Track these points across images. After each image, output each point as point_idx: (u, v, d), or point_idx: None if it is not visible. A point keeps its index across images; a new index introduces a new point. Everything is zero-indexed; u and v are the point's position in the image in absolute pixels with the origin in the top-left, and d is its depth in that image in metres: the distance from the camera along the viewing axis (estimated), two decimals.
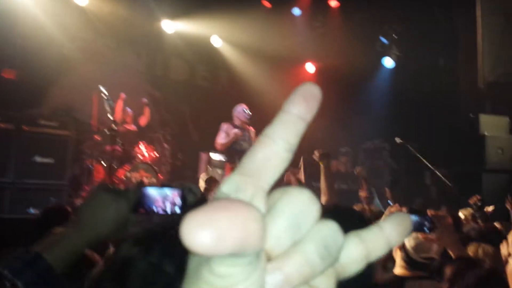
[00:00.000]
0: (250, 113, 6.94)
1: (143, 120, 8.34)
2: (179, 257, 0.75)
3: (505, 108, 8.45)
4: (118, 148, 7.12)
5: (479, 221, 4.99)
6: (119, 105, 7.87)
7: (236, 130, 6.88)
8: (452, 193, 7.65)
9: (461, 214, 5.45)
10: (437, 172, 7.08)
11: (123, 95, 7.94)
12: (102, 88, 6.71)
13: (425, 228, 2.39)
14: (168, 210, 1.16)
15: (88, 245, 1.10)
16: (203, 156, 8.28)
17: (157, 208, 1.15)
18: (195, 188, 1.20)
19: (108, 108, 6.77)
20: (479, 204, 5.22)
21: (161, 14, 9.27)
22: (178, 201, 1.16)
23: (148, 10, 8.89)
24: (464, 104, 9.16)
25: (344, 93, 10.06)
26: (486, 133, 7.52)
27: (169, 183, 1.20)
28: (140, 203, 1.14)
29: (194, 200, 1.17)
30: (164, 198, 1.15)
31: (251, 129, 7.14)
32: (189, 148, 8.83)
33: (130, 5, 8.59)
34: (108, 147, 7.17)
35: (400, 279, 2.50)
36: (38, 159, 6.02)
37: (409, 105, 9.21)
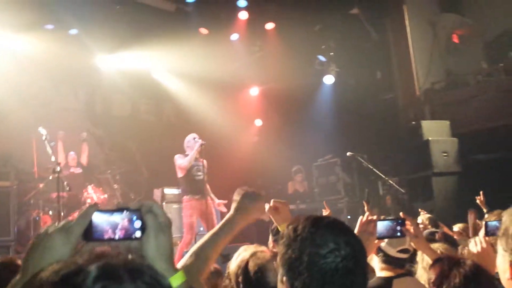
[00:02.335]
0: (202, 141, 6.70)
1: (84, 158, 8.00)
2: (150, 279, 0.74)
3: (443, 113, 8.88)
4: (64, 194, 6.73)
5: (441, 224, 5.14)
6: (60, 147, 7.52)
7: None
8: (405, 200, 7.89)
9: (419, 219, 5.61)
10: (390, 181, 7.25)
11: (61, 134, 7.58)
12: (41, 130, 6.31)
13: (398, 233, 2.40)
14: (117, 237, 1.04)
15: None
16: (156, 192, 8.05)
17: (106, 238, 1.04)
18: (156, 208, 1.08)
19: (49, 151, 6.36)
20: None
21: (96, 50, 9.00)
22: (132, 226, 1.04)
23: (82, 47, 8.60)
24: (404, 113, 9.52)
25: (289, 113, 10.21)
26: (429, 138, 7.82)
27: (125, 205, 1.07)
28: (87, 234, 1.04)
29: (155, 222, 1.05)
30: (114, 226, 1.05)
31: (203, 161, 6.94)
32: (141, 185, 8.55)
33: (63, 44, 8.26)
34: (53, 195, 6.77)
35: (385, 280, 2.52)
36: None
37: (353, 118, 9.47)
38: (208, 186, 6.82)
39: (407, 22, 9.65)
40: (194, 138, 6.79)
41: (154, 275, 0.78)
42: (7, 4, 7.19)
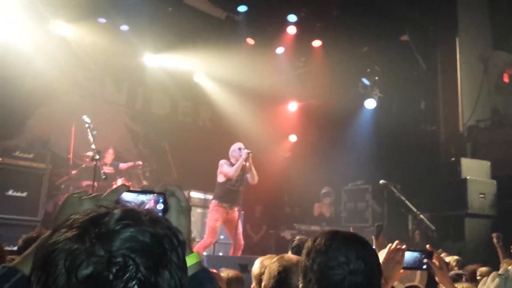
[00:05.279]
0: (248, 150, 6.54)
1: (123, 166, 8.02)
2: (168, 228, 0.83)
3: (485, 152, 8.56)
4: (95, 184, 6.80)
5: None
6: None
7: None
8: (435, 238, 7.61)
9: (446, 259, 5.39)
10: (421, 216, 7.01)
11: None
12: (85, 119, 6.40)
13: (423, 266, 2.33)
14: None
15: None
16: None
17: None
18: (179, 193, 1.14)
19: (91, 139, 6.44)
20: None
21: (144, 48, 9.16)
22: (156, 207, 1.12)
23: (131, 43, 8.77)
24: (445, 148, 9.25)
25: (326, 133, 10.08)
26: (468, 177, 7.55)
27: (151, 188, 1.15)
28: None
29: (177, 205, 1.12)
30: (140, 205, 1.12)
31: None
32: None
33: (113, 38, 8.46)
34: (84, 183, 6.87)
35: None
36: (12, 192, 5.75)
37: (391, 146, 9.25)
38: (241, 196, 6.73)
39: (458, 55, 9.41)
40: (240, 148, 6.65)
41: (172, 226, 0.85)
42: None
